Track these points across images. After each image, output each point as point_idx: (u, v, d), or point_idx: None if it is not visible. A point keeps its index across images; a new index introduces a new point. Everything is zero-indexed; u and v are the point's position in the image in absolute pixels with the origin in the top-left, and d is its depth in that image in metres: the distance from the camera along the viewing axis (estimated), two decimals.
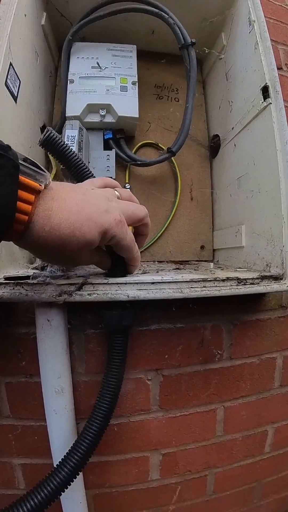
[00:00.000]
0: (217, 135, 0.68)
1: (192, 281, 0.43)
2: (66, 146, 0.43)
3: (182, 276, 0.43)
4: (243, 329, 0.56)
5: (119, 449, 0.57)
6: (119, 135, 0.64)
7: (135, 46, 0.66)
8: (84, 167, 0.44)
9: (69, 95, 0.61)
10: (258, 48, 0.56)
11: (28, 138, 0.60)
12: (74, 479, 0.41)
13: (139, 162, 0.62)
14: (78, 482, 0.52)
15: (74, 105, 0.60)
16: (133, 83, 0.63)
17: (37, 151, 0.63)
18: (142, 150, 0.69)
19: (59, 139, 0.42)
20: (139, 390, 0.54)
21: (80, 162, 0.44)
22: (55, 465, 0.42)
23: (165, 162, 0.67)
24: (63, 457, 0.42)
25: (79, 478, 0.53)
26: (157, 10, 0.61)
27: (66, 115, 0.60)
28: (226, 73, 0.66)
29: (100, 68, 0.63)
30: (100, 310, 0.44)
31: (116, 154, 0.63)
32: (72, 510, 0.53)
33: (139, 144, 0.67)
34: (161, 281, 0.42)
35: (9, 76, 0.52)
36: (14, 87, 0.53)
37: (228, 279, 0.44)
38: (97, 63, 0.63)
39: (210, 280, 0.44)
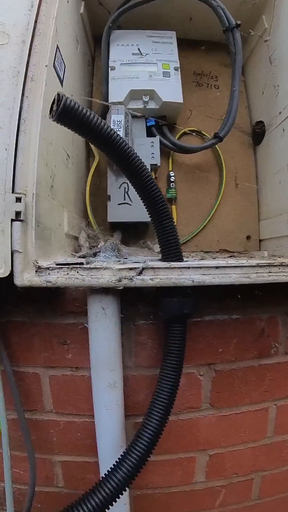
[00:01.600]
0: (261, 122, 0.63)
1: (258, 265, 0.38)
2: (92, 115, 0.32)
3: (247, 261, 0.38)
4: None
5: (166, 449, 0.52)
6: (161, 122, 0.60)
7: (174, 32, 0.62)
8: (124, 144, 0.34)
9: (111, 81, 0.57)
10: None
11: None
12: (131, 482, 0.36)
13: (185, 149, 0.57)
14: None
15: (117, 91, 0.56)
16: (176, 69, 0.59)
17: (79, 138, 0.59)
18: (184, 138, 0.64)
19: (79, 107, 0.31)
20: (190, 386, 0.48)
21: (117, 136, 0.33)
22: (110, 467, 0.37)
23: (209, 150, 0.62)
24: (119, 457, 0.37)
25: None
26: None
27: (110, 101, 0.56)
28: (269, 57, 0.61)
29: (141, 54, 0.59)
30: (157, 298, 0.39)
31: (160, 142, 0.58)
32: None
33: (182, 131, 0.63)
34: (226, 265, 0.37)
35: (56, 59, 0.48)
36: (60, 70, 0.50)
37: None
38: (138, 49, 0.59)
39: (276, 265, 0.39)
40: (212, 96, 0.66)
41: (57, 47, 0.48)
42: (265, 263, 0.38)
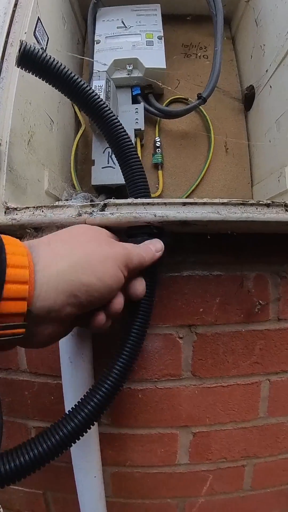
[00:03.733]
0: (250, 85, 0.61)
1: (229, 203, 0.35)
2: (53, 59, 0.33)
3: (219, 199, 0.36)
4: None
5: (144, 422, 0.48)
6: (147, 91, 0.60)
7: (159, 4, 0.63)
8: (91, 91, 0.34)
9: (96, 54, 0.59)
10: None
11: (57, 95, 0.58)
12: (85, 431, 0.32)
13: (170, 113, 0.57)
14: (93, 453, 0.44)
15: (101, 62, 0.58)
16: (159, 38, 0.59)
17: (67, 108, 0.62)
18: (172, 106, 0.64)
19: (39, 51, 0.32)
20: (168, 349, 0.45)
21: (78, 78, 0.33)
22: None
23: (197, 117, 0.61)
24: (75, 404, 0.34)
25: (94, 450, 0.44)
26: None
27: (94, 71, 0.58)
28: (255, 19, 0.60)
29: (125, 27, 0.61)
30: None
31: (145, 109, 0.58)
32: (85, 483, 0.44)
33: (169, 100, 0.62)
34: (194, 201, 0.35)
35: (37, 29, 0.51)
36: (42, 40, 0.53)
37: (273, 203, 0.36)
38: (122, 22, 0.61)
39: (252, 204, 0.36)
40: (200, 65, 0.65)
41: (38, 18, 0.51)
42: (239, 201, 0.36)
